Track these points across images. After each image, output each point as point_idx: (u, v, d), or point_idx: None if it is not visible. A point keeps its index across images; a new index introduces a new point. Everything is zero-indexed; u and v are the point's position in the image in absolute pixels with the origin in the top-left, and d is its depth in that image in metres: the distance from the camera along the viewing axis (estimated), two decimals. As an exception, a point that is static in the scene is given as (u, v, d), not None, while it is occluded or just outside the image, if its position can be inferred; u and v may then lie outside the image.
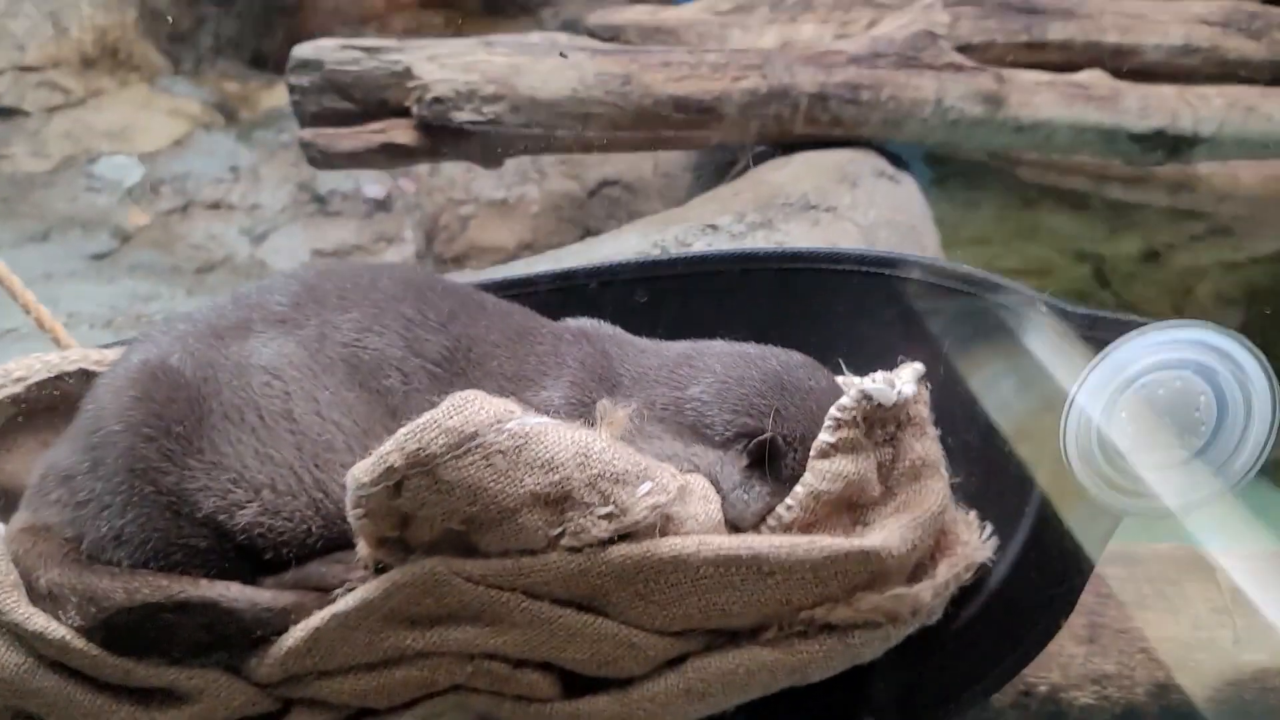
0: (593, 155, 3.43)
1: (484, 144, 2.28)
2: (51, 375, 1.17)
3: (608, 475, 0.96)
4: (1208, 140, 2.89)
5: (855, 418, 0.99)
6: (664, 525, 0.97)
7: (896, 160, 2.64)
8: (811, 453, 1.01)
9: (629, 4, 3.02)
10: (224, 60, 4.15)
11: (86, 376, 1.18)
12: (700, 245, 2.09)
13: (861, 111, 2.59)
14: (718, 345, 1.12)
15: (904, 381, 1.00)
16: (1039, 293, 1.02)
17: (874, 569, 0.98)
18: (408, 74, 2.24)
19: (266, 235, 3.12)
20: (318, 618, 0.97)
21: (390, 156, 2.30)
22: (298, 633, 0.98)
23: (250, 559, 1.01)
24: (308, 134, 2.26)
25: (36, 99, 3.29)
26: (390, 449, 0.93)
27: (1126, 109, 2.84)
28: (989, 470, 1.07)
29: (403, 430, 0.93)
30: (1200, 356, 0.94)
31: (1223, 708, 1.41)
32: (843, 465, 1.00)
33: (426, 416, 0.93)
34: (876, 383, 0.98)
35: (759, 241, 2.06)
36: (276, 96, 3.95)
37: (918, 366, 1.04)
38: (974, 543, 1.04)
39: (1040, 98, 2.77)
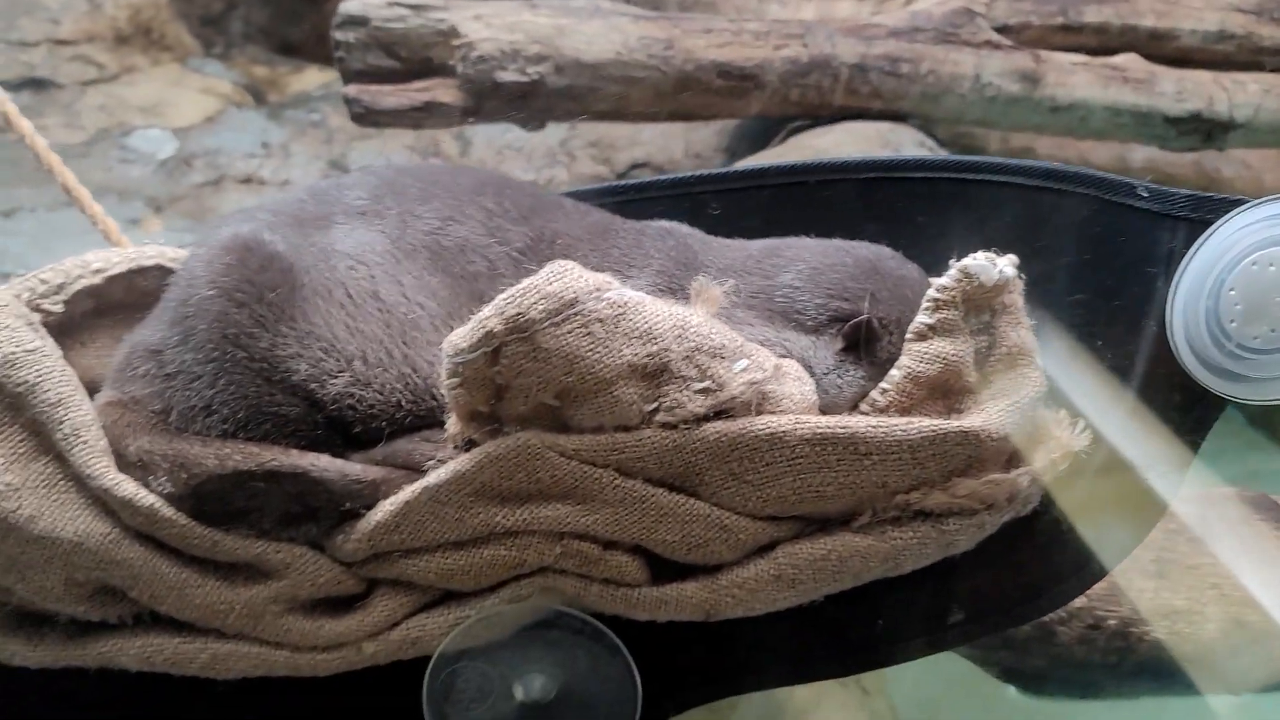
0: (623, 137, 3.44)
1: (527, 105, 2.28)
2: (130, 269, 1.16)
3: (705, 349, 0.95)
4: (1243, 126, 2.89)
5: (955, 298, 0.98)
6: (760, 403, 0.96)
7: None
8: (908, 335, 1.00)
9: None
10: (253, 46, 4.17)
11: (163, 272, 1.17)
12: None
13: (901, 84, 2.59)
14: (804, 239, 1.11)
15: (1004, 262, 0.99)
16: (1139, 180, 1.01)
17: (972, 452, 0.97)
18: (453, 32, 2.24)
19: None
20: (408, 491, 0.96)
21: (433, 115, 2.30)
22: (387, 506, 0.96)
23: (339, 433, 1.00)
24: (352, 89, 2.26)
25: (70, 72, 3.30)
26: (489, 314, 0.92)
27: (1162, 92, 2.85)
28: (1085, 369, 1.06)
29: (502, 296, 0.92)
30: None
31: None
32: (941, 347, 0.98)
33: (526, 282, 0.92)
34: (978, 260, 0.97)
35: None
36: (305, 81, 3.97)
37: (1013, 257, 1.03)
38: (1067, 435, 1.03)
39: (1076, 78, 2.78)
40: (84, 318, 1.16)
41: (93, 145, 3.13)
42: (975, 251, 1.01)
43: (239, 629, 0.98)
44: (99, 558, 0.95)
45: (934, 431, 0.96)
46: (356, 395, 0.98)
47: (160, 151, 3.19)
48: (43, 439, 0.96)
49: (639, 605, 1.00)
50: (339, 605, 1.00)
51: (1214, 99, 2.86)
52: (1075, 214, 1.08)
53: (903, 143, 2.44)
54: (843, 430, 0.95)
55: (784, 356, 1.03)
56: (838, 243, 1.10)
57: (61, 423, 0.95)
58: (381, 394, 0.99)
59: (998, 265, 0.98)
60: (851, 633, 1.05)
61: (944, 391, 1.00)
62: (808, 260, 1.07)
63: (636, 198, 1.29)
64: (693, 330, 0.95)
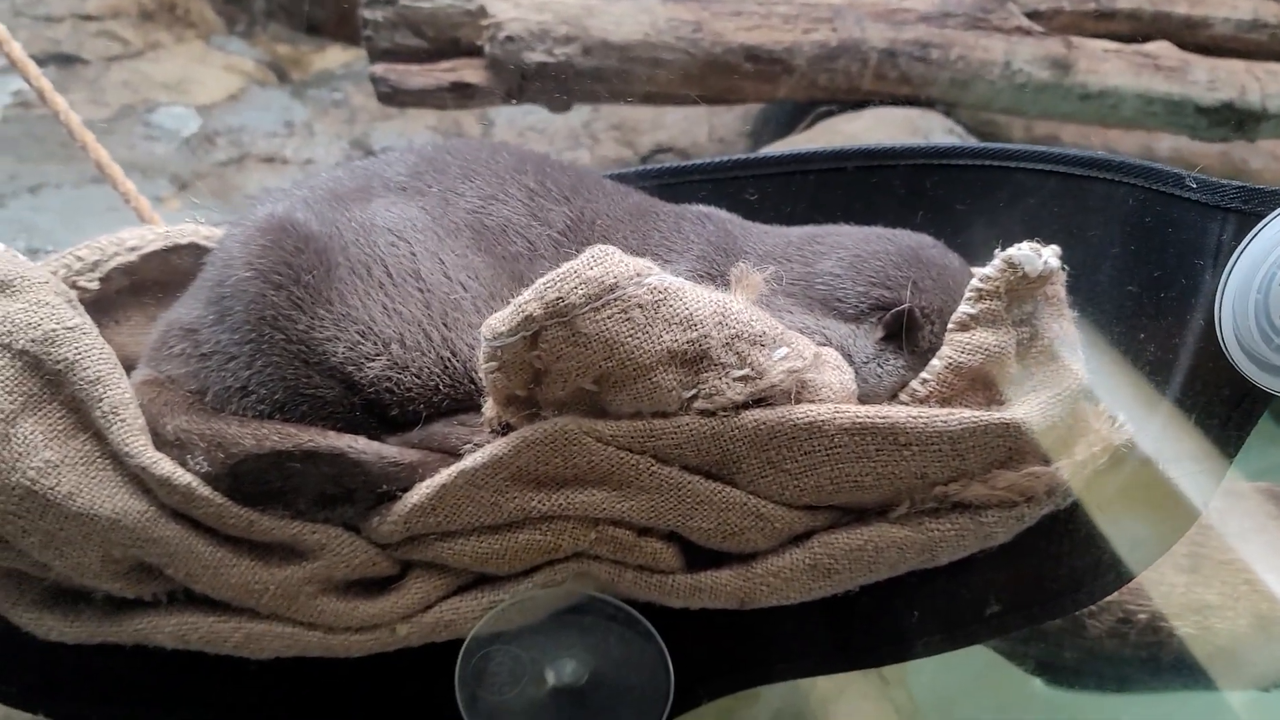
0: (646, 120, 3.42)
1: (554, 86, 2.27)
2: (165, 246, 1.16)
3: (745, 336, 0.94)
4: (1274, 116, 2.86)
5: (999, 288, 0.97)
6: (799, 392, 0.95)
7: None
8: (950, 325, 0.99)
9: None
10: (276, 24, 4.16)
11: (198, 251, 1.18)
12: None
13: (930, 70, 2.56)
14: (844, 226, 1.10)
15: (1048, 253, 0.97)
16: (1188, 171, 0.99)
17: (1013, 444, 0.96)
18: (481, 12, 2.23)
19: (320, 189, 3.12)
20: (444, 474, 0.96)
21: (459, 96, 2.29)
22: (423, 489, 0.96)
23: (376, 415, 0.99)
24: (379, 68, 2.25)
25: (95, 48, 3.30)
26: (529, 298, 0.91)
27: (1194, 81, 2.81)
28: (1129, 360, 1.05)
29: (542, 280, 0.91)
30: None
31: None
32: (983, 338, 0.97)
33: (566, 266, 0.91)
34: (1022, 250, 0.96)
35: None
36: (327, 60, 3.96)
37: (1056, 248, 1.02)
38: (1107, 429, 1.02)
39: (1108, 65, 2.75)
40: (119, 295, 1.16)
41: (117, 121, 3.13)
42: (1019, 241, 1.00)
43: (273, 609, 0.98)
44: (136, 535, 0.95)
45: (975, 423, 0.95)
46: (394, 379, 0.98)
47: (184, 129, 3.19)
48: (81, 416, 0.96)
49: (673, 592, 1.00)
50: (373, 587, 1.00)
51: (1246, 89, 2.83)
52: (1121, 204, 1.07)
53: (931, 128, 2.42)
54: (882, 420, 0.95)
55: (823, 345, 1.02)
56: (879, 230, 1.09)
57: (100, 400, 0.94)
58: (419, 378, 0.99)
59: (1042, 256, 0.97)
60: (886, 623, 1.04)
61: (985, 383, 0.99)
62: (849, 248, 1.06)
63: (675, 181, 1.28)
64: (733, 317, 0.94)
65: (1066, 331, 1.01)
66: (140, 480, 0.95)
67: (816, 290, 1.05)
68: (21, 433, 0.94)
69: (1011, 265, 0.96)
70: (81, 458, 0.95)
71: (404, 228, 1.04)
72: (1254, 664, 1.39)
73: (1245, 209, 0.96)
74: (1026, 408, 0.97)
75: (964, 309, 0.98)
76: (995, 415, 0.96)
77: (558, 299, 0.90)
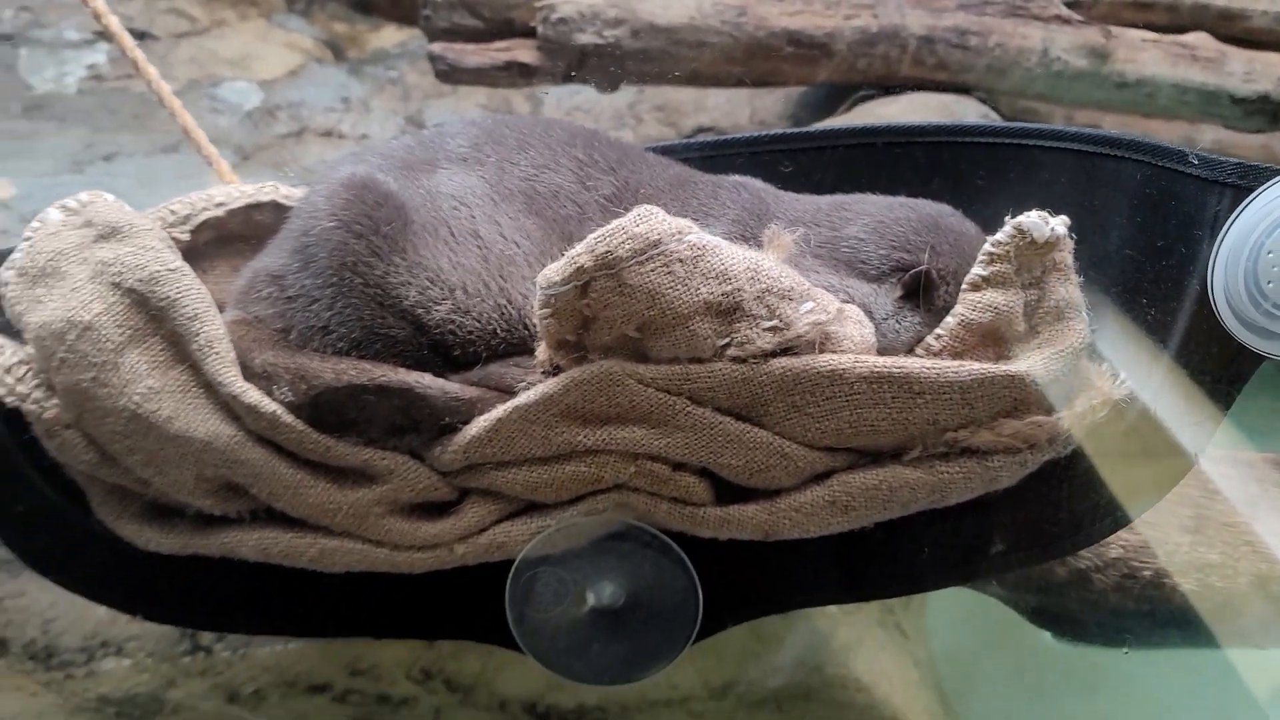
0: (689, 101, 3.50)
1: (602, 67, 2.36)
2: (248, 204, 1.27)
3: (775, 291, 1.03)
4: (1312, 108, 2.89)
5: (1008, 253, 1.05)
6: (823, 342, 1.04)
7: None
8: (963, 286, 1.08)
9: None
10: (333, 3, 4.28)
11: (278, 208, 1.28)
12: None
13: (968, 57, 2.63)
14: (870, 195, 1.19)
15: (1056, 222, 1.06)
16: (1189, 148, 1.07)
17: (1018, 395, 1.05)
18: (535, -6, 2.34)
19: (376, 162, 3.23)
20: (500, 409, 1.06)
21: (513, 75, 2.39)
22: (481, 423, 1.06)
23: (441, 355, 1.10)
24: (437, 47, 2.36)
25: (165, 25, 3.44)
26: (580, 251, 1.01)
27: (1231, 72, 2.85)
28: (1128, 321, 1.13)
29: (592, 235, 1.01)
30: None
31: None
32: (993, 297, 1.06)
33: (615, 223, 1.01)
34: (1031, 218, 1.05)
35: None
36: (383, 39, 4.07)
37: (1064, 218, 1.10)
38: (1108, 384, 1.10)
39: (1146, 55, 2.79)
40: (206, 246, 1.27)
41: (184, 95, 3.26)
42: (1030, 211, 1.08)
43: (345, 527, 1.09)
44: (225, 456, 1.06)
45: (983, 374, 1.04)
46: (457, 322, 1.09)
47: (246, 103, 3.32)
48: (180, 349, 1.07)
49: (703, 523, 1.10)
50: (434, 510, 1.11)
51: (1284, 80, 2.87)
52: (1129, 179, 1.15)
53: (966, 114, 2.48)
54: (898, 370, 1.04)
55: (847, 302, 1.11)
56: (902, 200, 1.17)
57: (197, 335, 1.05)
58: (479, 321, 1.09)
59: (1050, 224, 1.05)
60: (898, 558, 1.14)
61: (995, 339, 1.08)
62: (873, 214, 1.15)
63: (714, 154, 1.37)
64: (764, 273, 1.03)
65: (1072, 295, 1.09)
66: (230, 408, 1.06)
67: (842, 252, 1.14)
68: (128, 362, 1.05)
69: (1020, 232, 1.05)
70: (179, 386, 1.06)
71: (465, 194, 1.14)
72: (1251, 621, 1.47)
73: (1240, 183, 1.04)
74: (1031, 362, 1.05)
75: (976, 271, 1.07)
76: (1002, 368, 1.04)
77: (606, 252, 1.00)
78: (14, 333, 1.09)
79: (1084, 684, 1.75)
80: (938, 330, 1.08)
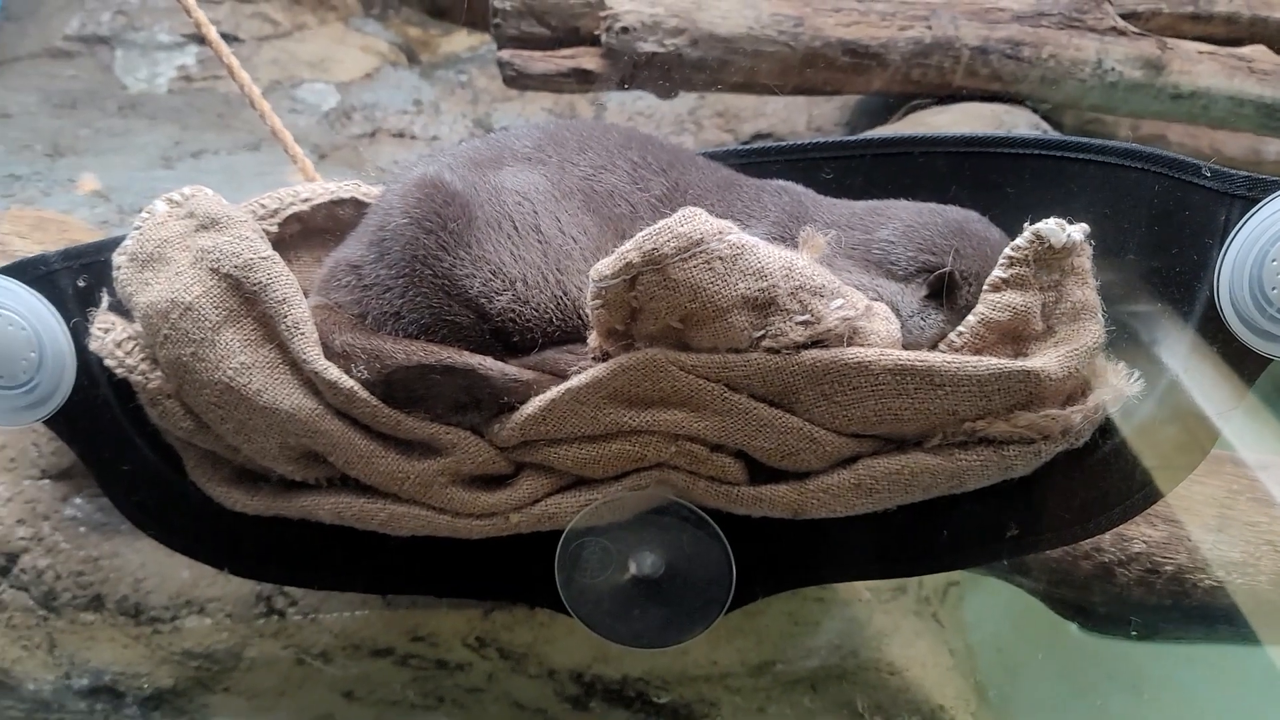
0: (748, 108, 3.58)
1: (663, 75, 2.46)
2: (331, 199, 1.38)
3: (808, 288, 1.12)
4: (1371, 122, 2.89)
5: (1027, 257, 1.13)
6: (851, 336, 1.12)
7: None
8: (985, 287, 1.16)
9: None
10: (407, 8, 4.45)
11: (358, 205, 1.40)
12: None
13: (1021, 68, 2.68)
14: (902, 201, 1.27)
15: (1074, 229, 1.13)
16: (1203, 162, 1.14)
17: (1033, 389, 1.12)
18: (600, 4, 2.44)
19: (445, 163, 3.37)
20: (554, 391, 1.15)
21: (577, 81, 2.50)
22: (536, 403, 1.15)
23: (501, 341, 1.20)
24: (505, 54, 2.48)
25: (250, 28, 3.62)
26: (630, 248, 1.10)
27: (1289, 85, 2.86)
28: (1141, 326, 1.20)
29: (641, 234, 1.10)
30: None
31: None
32: (1012, 298, 1.14)
33: (661, 223, 1.10)
34: (1048, 225, 1.12)
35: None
36: (454, 44, 4.22)
37: (1083, 225, 1.17)
38: (1121, 382, 1.17)
39: (1202, 67, 2.82)
40: (292, 238, 1.38)
41: (267, 95, 3.42)
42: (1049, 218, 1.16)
43: (412, 495, 1.19)
44: (306, 427, 1.17)
45: (1000, 369, 1.12)
46: (517, 310, 1.19)
47: (324, 104, 3.48)
48: (269, 329, 1.18)
49: (738, 501, 1.19)
50: (492, 482, 1.21)
51: (1343, 94, 2.87)
52: (1148, 190, 1.21)
53: (1017, 124, 2.54)
54: (921, 363, 1.12)
55: (875, 299, 1.19)
56: (931, 205, 1.25)
57: (285, 317, 1.17)
58: (537, 311, 1.19)
59: (1067, 230, 1.12)
60: (919, 539, 1.22)
61: (1013, 337, 1.16)
62: (903, 219, 1.23)
63: (760, 160, 1.46)
64: (798, 271, 1.12)
65: (1088, 297, 1.16)
66: (313, 383, 1.17)
67: (873, 254, 1.22)
68: (223, 339, 1.17)
69: (1038, 237, 1.13)
70: (268, 362, 1.18)
71: (528, 190, 1.24)
72: (1273, 619, 1.52)
73: (1249, 195, 1.10)
74: (1046, 359, 1.13)
75: (997, 273, 1.15)
76: (1018, 364, 1.12)
77: (653, 249, 1.09)
78: (124, 311, 1.22)
79: (1126, 684, 1.80)
80: (960, 328, 1.16)
